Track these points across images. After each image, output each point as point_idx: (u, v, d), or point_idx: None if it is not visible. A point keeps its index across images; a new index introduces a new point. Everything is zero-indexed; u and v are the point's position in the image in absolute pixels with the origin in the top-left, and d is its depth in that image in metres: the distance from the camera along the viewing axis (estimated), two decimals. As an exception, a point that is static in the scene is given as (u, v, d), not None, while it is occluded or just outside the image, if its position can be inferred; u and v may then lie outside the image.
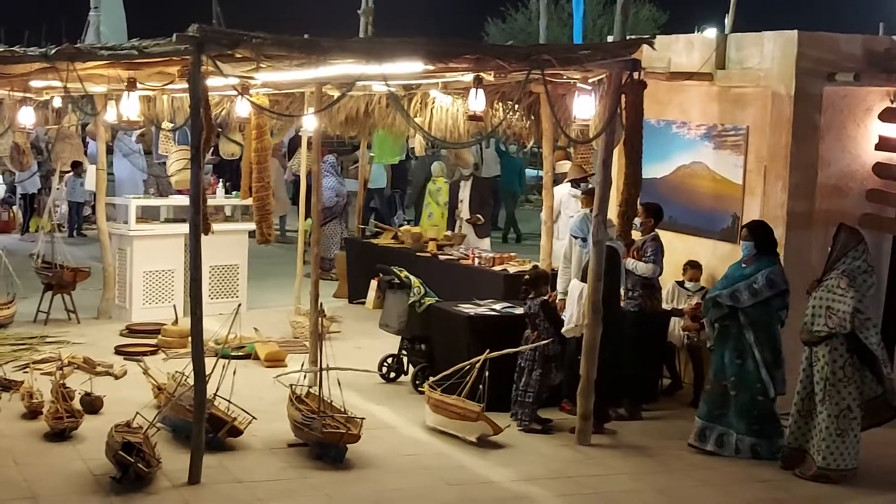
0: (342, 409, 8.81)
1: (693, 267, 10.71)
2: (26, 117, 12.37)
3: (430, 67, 9.15)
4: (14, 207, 22.76)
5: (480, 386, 9.14)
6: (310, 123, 11.85)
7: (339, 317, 13.46)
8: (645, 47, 9.61)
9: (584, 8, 16.27)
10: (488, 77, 9.50)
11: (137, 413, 8.38)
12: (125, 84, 9.56)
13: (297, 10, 32.79)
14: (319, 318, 10.43)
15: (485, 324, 10.14)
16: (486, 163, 23.18)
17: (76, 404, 9.26)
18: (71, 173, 21.17)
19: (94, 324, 13.52)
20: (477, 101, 9.11)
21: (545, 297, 9.73)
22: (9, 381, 10.06)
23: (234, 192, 15.39)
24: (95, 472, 7.94)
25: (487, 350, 9.29)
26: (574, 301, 9.54)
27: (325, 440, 8.43)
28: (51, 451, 8.52)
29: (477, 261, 13.01)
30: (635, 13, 31.61)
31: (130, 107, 9.74)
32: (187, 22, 7.52)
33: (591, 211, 9.49)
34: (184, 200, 14.35)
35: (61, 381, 9.53)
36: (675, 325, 10.60)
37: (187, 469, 7.88)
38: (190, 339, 9.70)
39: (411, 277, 11.09)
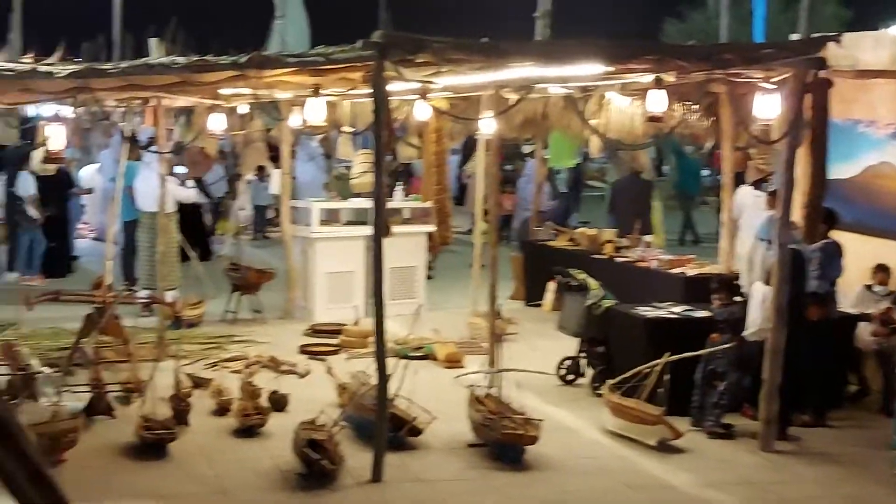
0: (520, 411, 8.85)
1: (882, 270, 10.39)
2: (217, 124, 12.80)
3: (610, 69, 9.12)
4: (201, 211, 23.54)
5: (660, 389, 9.07)
6: (487, 126, 11.93)
7: (516, 318, 13.52)
8: (830, 45, 9.36)
9: (766, 6, 15.95)
10: (668, 78, 9.40)
11: (322, 411, 8.59)
12: (310, 90, 9.80)
13: (465, 14, 33.02)
14: (497, 320, 10.51)
15: (664, 327, 10.03)
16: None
17: (263, 402, 9.54)
18: (255, 177, 21.81)
19: (279, 324, 13.89)
20: (657, 103, 9.03)
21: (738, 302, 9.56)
22: (200, 378, 10.42)
23: (410, 195, 15.63)
24: (282, 467, 8.17)
25: (667, 353, 9.21)
26: (757, 304, 9.36)
27: (504, 441, 8.48)
28: (239, 446, 8.80)
29: (654, 263, 12.88)
30: (819, 11, 30.75)
31: (315, 112, 9.97)
32: (360, 28, 7.67)
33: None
34: (364, 204, 14.64)
35: (249, 380, 9.84)
36: (863, 330, 10.29)
37: (370, 467, 8.03)
38: (371, 339, 9.91)
39: (589, 279, 11.05)
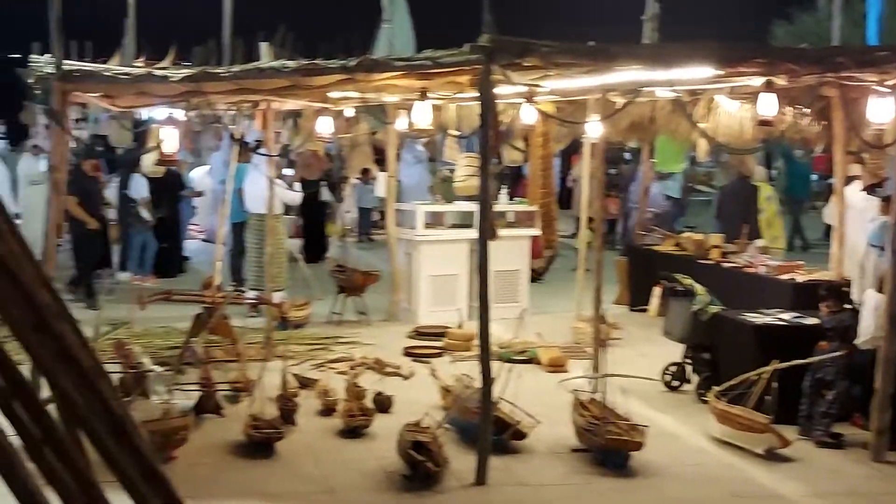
0: (625, 417, 8.80)
1: None
2: (324, 127, 12.96)
3: (719, 72, 9.02)
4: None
5: (768, 397, 8.94)
6: (594, 130, 11.87)
7: (620, 323, 13.44)
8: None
9: (881, 8, 15.61)
10: (779, 81, 9.27)
11: (426, 413, 8.63)
12: (417, 93, 9.87)
13: (568, 16, 32.91)
14: (601, 325, 10.46)
15: (772, 334, 9.88)
16: None
17: (368, 403, 9.62)
18: (360, 180, 22.00)
19: (384, 326, 14.01)
20: (768, 106, 8.91)
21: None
22: (306, 379, 10.55)
23: (514, 199, 15.64)
24: (387, 468, 8.23)
25: (775, 361, 9.08)
26: (870, 312, 9.17)
27: (608, 447, 8.44)
28: (345, 447, 8.89)
29: (762, 269, 12.69)
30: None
31: (422, 115, 10.04)
32: (464, 32, 7.69)
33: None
34: (469, 207, 14.68)
35: (354, 381, 9.94)
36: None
37: (474, 469, 8.05)
38: (475, 342, 9.94)
39: (695, 285, 10.94)
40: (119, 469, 4.03)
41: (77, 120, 21.72)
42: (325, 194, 17.31)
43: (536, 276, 17.30)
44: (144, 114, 17.84)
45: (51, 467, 3.54)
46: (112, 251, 16.68)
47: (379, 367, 11.24)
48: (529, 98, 10.05)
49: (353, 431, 9.12)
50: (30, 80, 8.93)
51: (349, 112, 15.54)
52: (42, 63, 8.76)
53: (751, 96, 11.23)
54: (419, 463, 7.83)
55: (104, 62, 16.29)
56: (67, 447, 3.73)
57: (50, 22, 8.65)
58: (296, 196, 16.00)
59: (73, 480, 3.65)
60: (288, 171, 19.43)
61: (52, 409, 4.07)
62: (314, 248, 19.28)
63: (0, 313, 3.88)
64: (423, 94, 9.86)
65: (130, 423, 4.41)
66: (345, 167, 22.85)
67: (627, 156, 24.06)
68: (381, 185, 17.63)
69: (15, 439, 3.55)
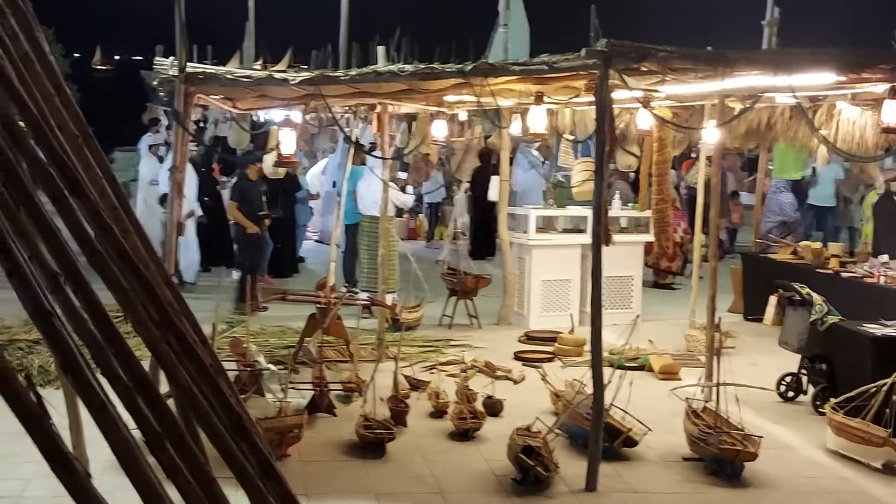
0: (739, 426, 8.67)
1: None
2: (439, 130, 13.02)
3: (841, 78, 8.85)
4: (420, 216, 23.98)
5: (887, 410, 8.73)
6: (711, 136, 11.73)
7: (735, 332, 13.25)
8: None
9: None
10: (904, 87, 9.05)
11: (537, 418, 8.62)
12: (533, 98, 9.86)
13: (683, 22, 32.58)
14: (715, 333, 10.32)
15: (893, 345, 9.65)
16: None
17: (479, 406, 9.64)
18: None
19: (495, 329, 14.02)
20: (892, 113, 8.70)
21: None
22: (417, 380, 10.62)
23: (629, 204, 15.53)
24: (497, 472, 8.23)
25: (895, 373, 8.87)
26: None
27: (721, 456, 8.33)
28: (456, 449, 8.92)
29: (883, 279, 12.40)
30: None
31: (537, 120, 10.03)
32: (575, 35, 7.66)
33: None
34: (581, 211, 14.63)
35: (465, 384, 9.97)
36: None
37: (584, 475, 8.01)
38: (587, 347, 9.89)
39: (813, 294, 10.73)
40: (237, 465, 4.11)
41: (197, 122, 22.17)
42: (493, 194, 17.38)
43: (664, 277, 17.15)
44: (262, 116, 18.12)
45: (171, 461, 3.62)
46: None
47: (489, 370, 11.25)
48: (646, 103, 9.97)
49: (464, 434, 9.15)
50: (154, 82, 9.13)
51: (463, 116, 15.61)
52: (166, 65, 8.96)
53: (874, 103, 11.01)
54: (529, 467, 7.82)
55: (223, 65, 16.62)
56: (187, 442, 3.81)
57: (175, 25, 8.85)
58: (408, 199, 16.10)
59: (192, 475, 3.73)
60: (401, 174, 19.58)
61: (170, 404, 4.16)
62: (482, 246, 19.64)
63: (125, 310, 3.98)
64: (538, 99, 9.84)
65: (248, 421, 4.49)
66: (457, 171, 22.91)
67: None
68: (494, 189, 17.61)
69: (137, 433, 3.64)
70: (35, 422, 3.14)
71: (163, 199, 16.12)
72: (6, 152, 3.34)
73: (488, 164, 19.90)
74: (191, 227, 16.17)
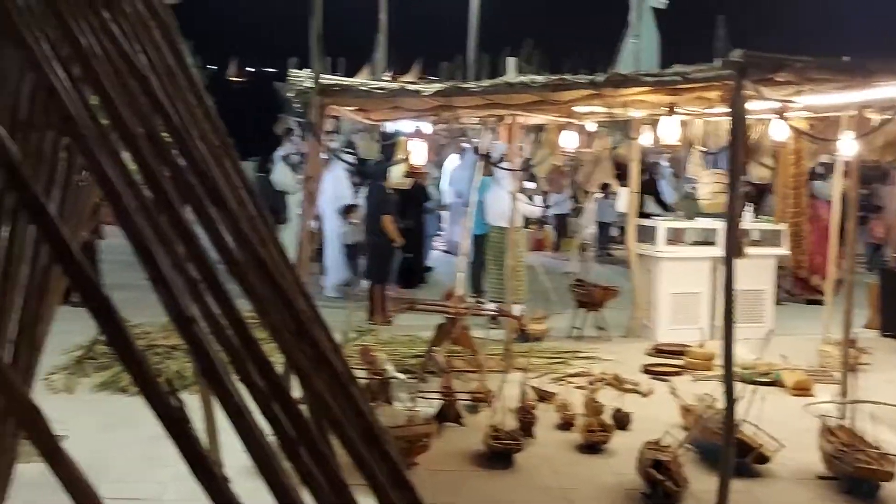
0: (875, 445, 8.44)
1: None
2: (569, 141, 12.98)
3: None
4: (547, 227, 23.94)
5: None
6: (847, 148, 11.46)
7: (870, 349, 12.91)
8: None
9: None
10: None
11: (666, 432, 8.52)
12: (665, 109, 9.77)
13: (804, 30, 31.93)
14: (851, 349, 10.08)
15: None
16: None
17: (607, 419, 9.58)
18: (601, 195, 21.93)
19: (623, 342, 13.91)
20: None
21: None
22: (545, 392, 10.59)
23: (761, 217, 15.28)
24: (626, 486, 8.16)
25: None
26: None
27: (857, 475, 8.12)
28: (583, 462, 8.87)
29: None
30: None
31: (670, 131, 9.93)
32: (705, 45, 7.56)
33: None
34: (711, 224, 14.42)
35: (592, 396, 9.90)
36: None
37: (714, 491, 7.85)
38: (717, 362, 9.73)
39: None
40: (369, 472, 4.14)
41: (329, 132, 22.48)
42: (622, 205, 17.34)
43: (813, 292, 16.77)
44: (391, 127, 18.30)
45: (306, 467, 3.67)
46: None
47: (617, 383, 11.15)
48: (781, 114, 9.79)
49: (592, 446, 9.10)
50: (288, 94, 9.30)
51: (591, 127, 15.53)
52: (302, 77, 9.11)
53: None
54: (659, 482, 7.74)
55: (352, 77, 16.84)
56: (321, 448, 3.86)
57: (309, 38, 9.00)
58: (536, 210, 16.08)
59: (326, 481, 3.77)
60: (529, 185, 19.57)
61: (303, 410, 4.21)
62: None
63: (262, 318, 4.06)
64: (671, 110, 9.75)
65: (379, 428, 4.53)
66: (585, 182, 22.84)
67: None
68: (623, 199, 17.52)
69: (273, 439, 3.70)
70: (177, 426, 3.21)
71: (345, 210, 16.34)
72: (151, 163, 3.43)
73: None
74: (338, 239, 16.31)
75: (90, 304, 3.10)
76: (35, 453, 2.85)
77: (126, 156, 3.34)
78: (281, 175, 18.32)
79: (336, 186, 16.48)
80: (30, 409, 3.01)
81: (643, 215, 15.73)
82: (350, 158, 17.61)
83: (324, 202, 16.73)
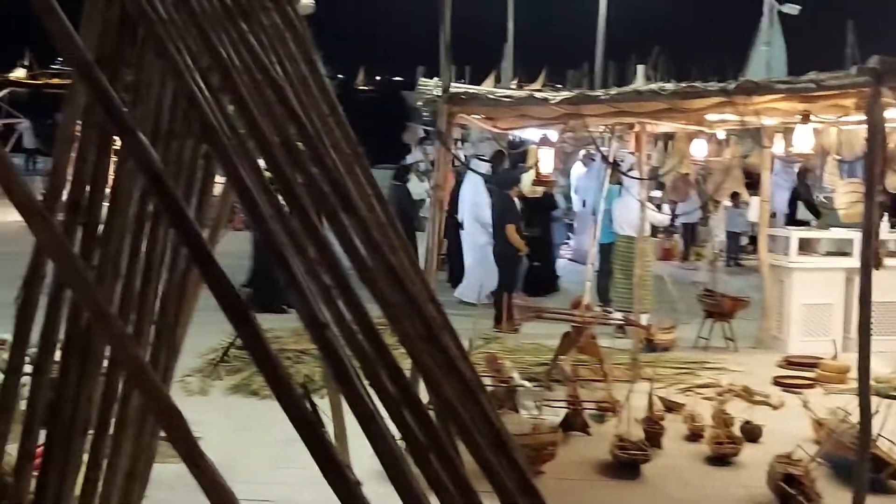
0: None
1: None
2: (698, 150, 12.85)
3: None
4: (675, 236, 23.68)
5: None
6: None
7: None
8: None
9: None
10: None
11: (798, 446, 8.35)
12: (797, 117, 9.60)
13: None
14: None
15: None
16: None
17: (736, 431, 9.42)
18: (731, 204, 21.62)
19: (752, 353, 13.67)
20: None
21: None
22: (672, 402, 10.47)
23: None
24: (756, 499, 8.02)
25: None
26: None
27: None
28: (712, 474, 8.75)
29: None
30: None
31: (803, 139, 9.76)
32: (830, 54, 7.40)
33: None
34: (845, 234, 14.10)
35: (721, 407, 9.76)
36: None
37: (847, 508, 7.71)
38: (851, 375, 9.51)
39: None
40: (497, 480, 4.15)
41: (457, 141, 22.60)
42: (753, 215, 17.11)
43: None
44: (518, 135, 18.32)
45: (435, 473, 3.69)
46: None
47: (747, 395, 10.97)
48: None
49: (721, 459, 8.96)
50: (416, 102, 9.39)
51: (721, 135, 15.33)
52: (430, 85, 9.18)
53: None
54: (790, 496, 7.59)
55: (478, 85, 16.89)
56: (450, 454, 3.88)
57: (437, 47, 9.06)
58: (664, 218, 15.92)
59: (455, 487, 3.79)
60: (657, 194, 19.40)
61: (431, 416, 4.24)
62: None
63: (392, 324, 4.10)
64: (805, 118, 9.57)
65: (507, 436, 4.54)
66: (715, 191, 22.54)
67: None
68: (753, 209, 17.25)
69: (402, 444, 3.73)
70: (310, 429, 3.26)
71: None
72: (286, 170, 3.49)
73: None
74: (486, 247, 16.34)
75: (227, 308, 3.17)
76: (171, 454, 2.92)
77: (261, 163, 3.41)
78: (416, 184, 18.50)
79: (475, 194, 16.51)
80: (170, 410, 3.09)
81: (796, 222, 15.48)
82: (484, 167, 17.62)
83: (463, 210, 16.80)
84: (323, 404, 6.58)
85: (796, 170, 20.35)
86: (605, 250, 15.68)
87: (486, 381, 9.81)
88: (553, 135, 12.61)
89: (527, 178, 16.10)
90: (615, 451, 8.71)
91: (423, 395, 3.94)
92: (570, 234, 21.61)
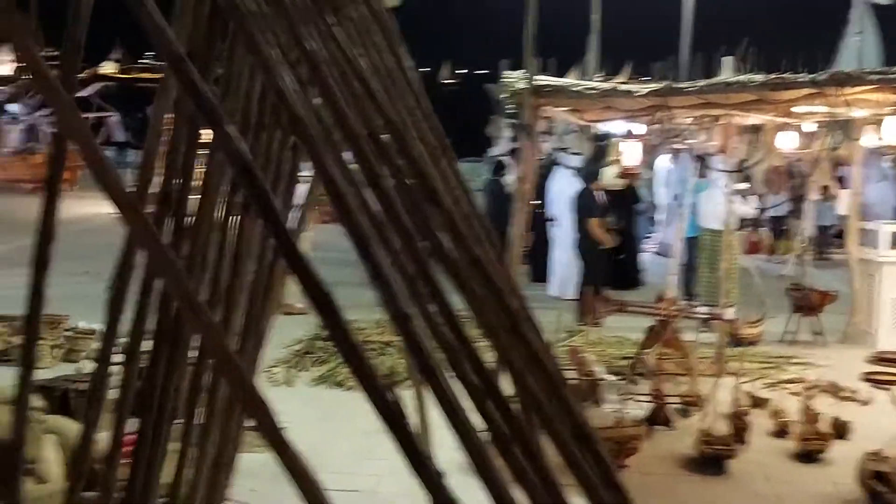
0: None
1: None
2: (787, 142, 12.66)
3: None
4: (762, 229, 23.39)
5: None
6: None
7: None
8: None
9: None
10: None
11: (889, 443, 8.21)
12: (891, 108, 9.43)
13: None
14: None
15: None
16: None
17: (824, 427, 9.28)
18: (819, 197, 21.30)
19: (839, 348, 13.45)
20: None
21: None
22: (758, 397, 10.34)
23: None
24: (845, 497, 7.89)
25: None
26: None
27: None
28: (799, 470, 8.63)
29: None
30: None
31: (894, 131, 9.58)
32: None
33: None
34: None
35: (808, 403, 9.63)
36: None
37: (939, 507, 7.57)
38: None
39: None
40: (581, 473, 4.14)
41: (542, 133, 22.53)
42: (843, 208, 16.86)
43: None
44: (602, 128, 18.21)
45: (519, 465, 3.69)
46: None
47: (834, 390, 10.81)
48: None
49: (808, 455, 8.84)
50: (501, 95, 9.39)
51: (809, 127, 15.09)
52: (515, 78, 9.17)
53: None
54: (880, 494, 7.47)
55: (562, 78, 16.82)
56: (534, 446, 3.88)
57: (523, 40, 9.05)
58: (751, 211, 15.71)
59: (539, 480, 3.78)
60: (744, 186, 19.15)
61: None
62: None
63: (476, 316, 4.11)
64: (896, 110, 9.42)
65: (591, 429, 4.53)
66: (804, 184, 22.23)
67: None
68: (844, 202, 16.97)
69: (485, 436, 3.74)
70: (395, 421, 3.28)
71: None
72: (373, 162, 3.52)
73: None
74: (568, 240, 16.28)
75: (314, 300, 3.20)
76: (256, 443, 2.96)
77: (347, 155, 3.44)
78: (511, 178, 18.48)
79: (568, 186, 16.42)
80: (258, 400, 3.13)
81: None
82: (574, 160, 17.53)
83: (555, 203, 16.73)
84: (406, 396, 6.63)
85: (888, 163, 20.00)
86: (691, 244, 15.53)
87: (569, 374, 9.79)
88: (638, 127, 12.51)
89: (609, 172, 16.00)
90: (700, 445, 8.63)
91: (506, 388, 3.94)
92: (652, 228, 21.43)
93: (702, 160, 13.51)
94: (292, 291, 10.04)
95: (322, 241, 14.12)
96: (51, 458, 6.63)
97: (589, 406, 9.59)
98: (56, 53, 3.03)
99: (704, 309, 13.42)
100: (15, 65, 25.40)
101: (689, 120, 12.95)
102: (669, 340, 10.39)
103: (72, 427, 6.84)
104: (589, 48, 24.20)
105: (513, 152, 19.27)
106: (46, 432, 6.80)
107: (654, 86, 9.24)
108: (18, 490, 3.77)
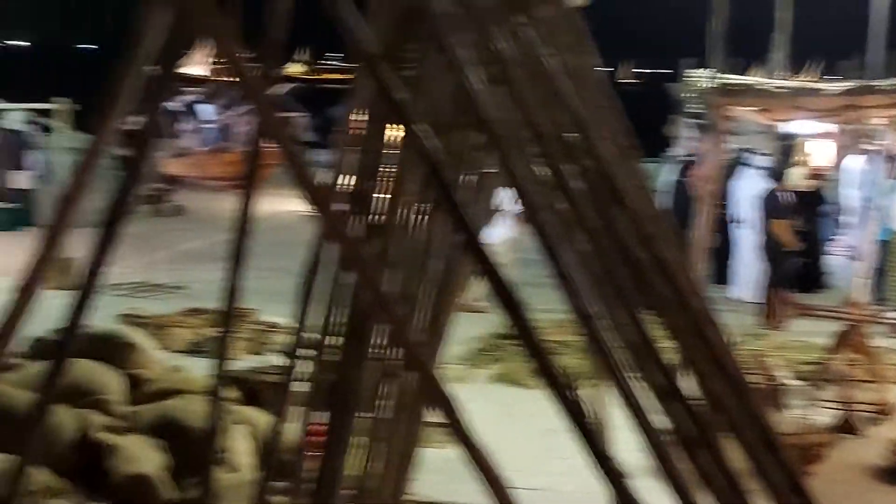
0: None
1: None
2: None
3: None
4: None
5: None
6: None
7: None
8: None
9: None
10: None
11: None
12: None
13: None
14: None
15: None
16: None
17: None
18: None
19: None
20: None
21: None
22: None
23: None
24: None
25: None
26: None
27: None
28: None
29: None
30: None
31: None
32: None
33: None
34: None
35: None
36: None
37: None
38: None
39: None
40: (767, 478, 4.07)
41: (727, 133, 22.08)
42: None
43: None
44: (786, 128, 17.76)
45: (706, 467, 3.65)
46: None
47: None
48: None
49: None
50: (683, 95, 9.28)
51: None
52: (700, 77, 9.05)
53: None
54: None
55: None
56: (719, 449, 3.83)
57: (706, 38, 8.93)
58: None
59: (726, 483, 3.74)
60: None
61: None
62: None
63: (661, 317, 4.08)
64: None
65: (775, 434, 4.44)
66: None
67: None
68: None
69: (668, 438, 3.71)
70: (579, 420, 3.29)
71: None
72: (560, 162, 3.53)
73: None
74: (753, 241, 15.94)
75: (500, 298, 3.23)
76: (438, 439, 3.00)
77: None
78: (666, 177, 18.21)
79: (754, 187, 16.05)
80: (444, 395, 3.18)
81: None
82: (763, 161, 17.12)
83: (740, 204, 16.39)
84: (587, 396, 6.62)
85: None
86: (882, 247, 15.01)
87: (752, 378, 9.59)
88: (827, 127, 12.20)
89: (796, 172, 15.56)
90: (890, 455, 8.36)
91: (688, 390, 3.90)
92: (837, 230, 20.79)
93: (894, 161, 13.06)
94: (471, 289, 10.10)
95: (525, 242, 14.13)
96: (241, 449, 6.85)
97: (771, 411, 9.38)
98: (250, 55, 3.13)
99: (894, 314, 12.99)
100: (211, 66, 26.08)
101: (884, 120, 12.54)
102: (858, 346, 10.07)
103: (261, 418, 7.05)
104: (773, 46, 23.64)
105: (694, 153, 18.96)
106: (237, 423, 7.03)
107: (847, 84, 8.98)
108: (210, 478, 3.92)
